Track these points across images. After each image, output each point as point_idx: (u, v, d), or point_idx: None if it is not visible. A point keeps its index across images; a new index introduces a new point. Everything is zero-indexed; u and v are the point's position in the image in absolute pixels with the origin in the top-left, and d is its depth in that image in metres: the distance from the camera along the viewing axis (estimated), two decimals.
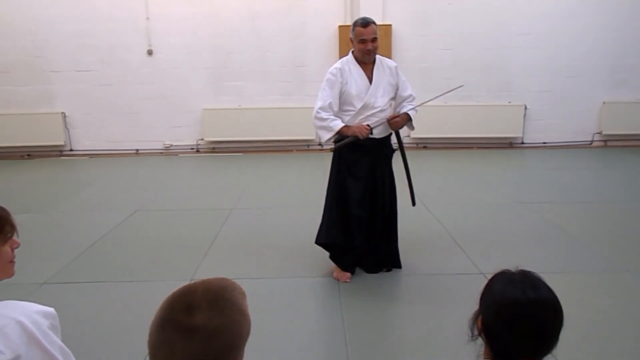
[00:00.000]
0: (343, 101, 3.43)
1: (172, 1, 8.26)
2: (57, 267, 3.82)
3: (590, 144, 8.74)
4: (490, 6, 8.31)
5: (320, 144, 8.59)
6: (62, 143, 8.54)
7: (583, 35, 8.37)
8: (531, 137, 8.69)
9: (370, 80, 3.43)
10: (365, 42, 3.34)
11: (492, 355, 1.22)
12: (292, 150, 8.64)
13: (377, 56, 3.52)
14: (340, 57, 6.70)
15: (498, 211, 5.10)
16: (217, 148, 8.73)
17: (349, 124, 3.42)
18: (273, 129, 8.48)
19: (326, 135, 3.43)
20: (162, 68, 8.45)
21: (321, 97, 3.40)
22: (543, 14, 8.32)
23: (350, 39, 3.44)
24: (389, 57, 7.95)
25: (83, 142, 8.64)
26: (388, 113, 3.52)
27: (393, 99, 3.61)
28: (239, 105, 8.54)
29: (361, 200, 3.45)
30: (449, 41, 8.42)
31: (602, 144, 8.74)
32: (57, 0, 8.20)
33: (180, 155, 8.58)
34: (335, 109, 3.40)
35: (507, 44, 8.43)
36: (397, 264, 3.67)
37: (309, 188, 6.00)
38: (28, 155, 8.60)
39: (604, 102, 8.53)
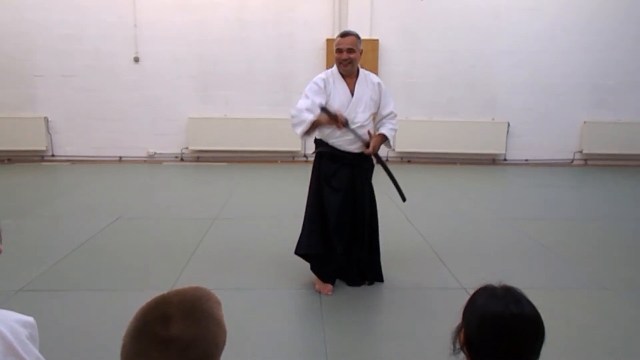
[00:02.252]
0: None
1: (161, 9, 8.25)
2: (34, 273, 3.74)
3: (571, 162, 8.89)
4: (476, 24, 8.46)
5: (305, 155, 8.61)
6: (43, 148, 8.43)
7: (566, 55, 8.56)
8: (514, 154, 8.81)
9: (353, 94, 3.42)
10: (340, 52, 3.36)
11: None
12: (277, 161, 8.64)
13: (362, 70, 3.51)
14: (328, 69, 6.58)
15: (480, 226, 5.14)
16: (202, 157, 8.69)
17: (328, 137, 3.44)
18: (258, 140, 8.47)
19: (299, 128, 3.34)
20: (148, 75, 8.41)
21: (302, 101, 3.36)
22: (527, 34, 8.49)
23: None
24: (376, 71, 8.09)
25: (65, 147, 8.54)
26: (369, 128, 3.49)
27: (375, 113, 3.58)
28: (225, 115, 8.53)
29: (340, 211, 3.42)
30: (435, 57, 8.54)
31: (582, 162, 8.89)
32: (45, 4, 8.14)
33: (164, 163, 8.51)
34: (315, 113, 3.32)
35: (491, 62, 8.58)
36: (379, 277, 3.66)
37: (292, 199, 5.99)
38: (8, 159, 8.46)
39: (585, 122, 8.69)
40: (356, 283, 3.60)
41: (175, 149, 8.65)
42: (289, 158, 8.67)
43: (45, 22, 8.18)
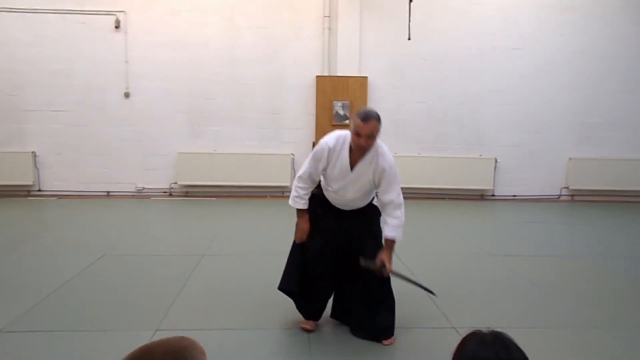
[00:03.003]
0: (324, 176, 3.39)
1: (152, 46, 8.35)
2: (15, 314, 3.65)
3: (558, 198, 8.97)
4: (463, 63, 8.64)
5: None
6: (30, 183, 8.35)
7: (551, 93, 8.75)
8: (502, 190, 8.88)
9: (352, 170, 3.26)
10: (359, 136, 3.07)
11: None
12: (266, 197, 8.62)
13: (375, 150, 3.21)
14: (317, 106, 6.53)
15: (469, 263, 5.13)
16: (191, 192, 8.65)
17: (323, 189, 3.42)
18: (248, 175, 8.48)
19: (292, 204, 3.40)
20: (138, 110, 8.44)
21: (304, 166, 3.34)
22: (513, 72, 8.69)
23: (350, 127, 3.20)
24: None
25: (53, 182, 8.47)
26: (363, 201, 3.41)
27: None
28: (215, 150, 8.54)
29: (319, 255, 3.36)
30: (423, 94, 8.68)
31: (569, 198, 8.97)
32: (38, 39, 8.21)
33: (153, 198, 8.46)
34: (316, 179, 3.37)
35: (479, 99, 8.74)
36: (390, 334, 3.40)
37: (282, 235, 5.93)
38: None
39: (570, 158, 8.82)
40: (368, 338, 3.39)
41: (164, 184, 8.61)
42: (278, 193, 8.66)
43: (36, 57, 8.23)
